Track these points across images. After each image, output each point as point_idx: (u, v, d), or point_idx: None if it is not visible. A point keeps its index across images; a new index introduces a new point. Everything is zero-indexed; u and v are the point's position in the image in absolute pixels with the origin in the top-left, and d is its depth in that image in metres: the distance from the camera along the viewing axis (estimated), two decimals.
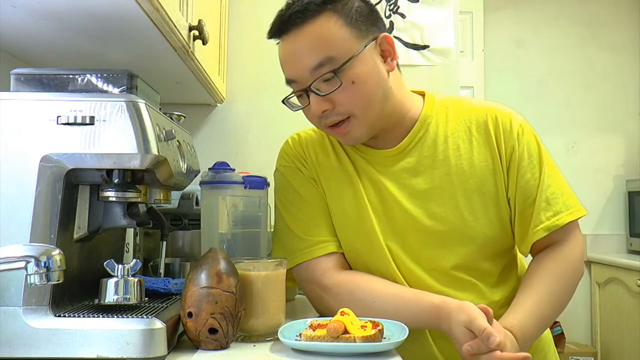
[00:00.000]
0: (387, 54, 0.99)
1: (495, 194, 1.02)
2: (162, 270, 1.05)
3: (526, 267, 1.12)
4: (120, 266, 0.81)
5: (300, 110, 1.02)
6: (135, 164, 0.78)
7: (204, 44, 1.25)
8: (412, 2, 1.90)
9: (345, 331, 0.81)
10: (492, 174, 1.02)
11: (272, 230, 1.14)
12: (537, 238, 1.00)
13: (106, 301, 0.81)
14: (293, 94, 1.01)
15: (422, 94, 1.11)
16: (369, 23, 0.98)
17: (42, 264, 0.67)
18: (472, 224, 1.01)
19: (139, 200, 0.86)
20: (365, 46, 0.96)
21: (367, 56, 0.96)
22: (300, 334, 0.85)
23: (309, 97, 0.97)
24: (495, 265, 1.04)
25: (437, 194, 1.02)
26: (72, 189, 0.81)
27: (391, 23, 1.88)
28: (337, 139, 1.05)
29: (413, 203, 1.02)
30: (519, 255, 1.11)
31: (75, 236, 0.83)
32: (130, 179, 0.84)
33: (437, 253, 1.01)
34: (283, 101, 1.03)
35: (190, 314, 0.81)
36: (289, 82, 1.00)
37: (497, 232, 1.02)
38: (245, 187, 1.09)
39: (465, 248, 1.01)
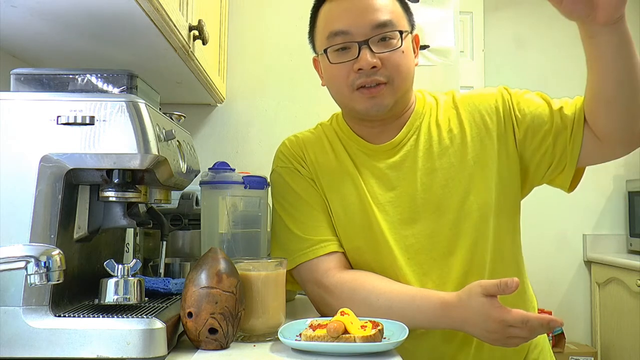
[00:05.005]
0: (414, 50, 1.08)
1: (496, 162, 1.03)
2: (162, 270, 1.05)
3: (526, 274, 1.11)
4: (120, 266, 0.81)
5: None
6: (135, 164, 0.78)
7: (204, 44, 1.25)
8: (412, 2, 1.89)
9: (345, 331, 0.80)
10: (490, 144, 1.04)
11: (270, 232, 1.14)
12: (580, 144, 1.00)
13: (106, 301, 0.81)
14: (339, 45, 1.02)
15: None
16: (411, 16, 1.09)
17: (42, 264, 0.67)
18: (474, 198, 1.02)
19: (139, 200, 0.86)
20: (411, 32, 1.07)
21: (411, 40, 1.06)
22: (300, 334, 0.85)
23: (359, 51, 1.00)
24: (500, 243, 1.04)
25: (440, 176, 1.03)
26: (72, 189, 0.81)
27: None
28: (361, 103, 1.02)
29: (417, 189, 1.03)
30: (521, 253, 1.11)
31: (75, 236, 0.83)
32: (130, 179, 0.84)
33: (445, 235, 1.02)
34: (325, 50, 1.04)
35: (190, 314, 0.81)
36: (336, 33, 1.02)
37: (500, 200, 1.03)
38: (245, 187, 1.09)
39: (467, 224, 1.02)
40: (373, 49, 1.00)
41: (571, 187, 1.06)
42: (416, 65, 1.07)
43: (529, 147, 1.03)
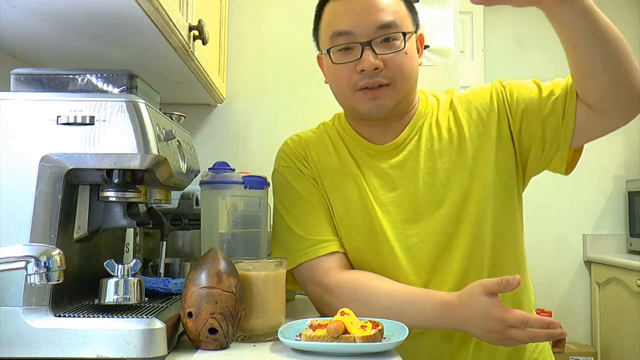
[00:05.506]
0: (418, 50, 1.08)
1: (494, 157, 1.03)
2: (162, 270, 1.05)
3: (529, 273, 1.11)
4: (120, 266, 0.81)
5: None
6: (135, 164, 0.78)
7: (204, 44, 1.24)
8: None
9: (345, 331, 0.80)
10: (488, 140, 1.04)
11: (271, 232, 1.14)
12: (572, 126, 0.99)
13: (106, 301, 0.81)
14: (342, 45, 1.02)
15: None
16: (416, 15, 1.08)
17: (42, 264, 0.67)
18: (474, 195, 1.02)
19: (139, 200, 0.86)
20: (416, 31, 1.06)
21: (414, 40, 1.06)
22: (300, 334, 0.85)
23: (362, 52, 1.00)
24: (499, 239, 1.04)
25: (442, 175, 1.04)
26: (72, 189, 0.81)
27: None
28: (363, 104, 1.03)
29: (419, 188, 1.04)
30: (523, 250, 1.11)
31: (75, 236, 0.83)
32: (130, 179, 0.84)
33: (447, 233, 1.02)
34: (328, 50, 1.03)
35: (190, 314, 0.81)
36: (339, 34, 1.02)
37: (499, 196, 1.03)
38: (245, 187, 1.09)
39: (467, 221, 1.02)
40: (376, 50, 0.99)
41: (568, 170, 1.05)
42: (420, 64, 1.08)
43: (526, 134, 1.03)
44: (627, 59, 0.91)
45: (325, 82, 1.11)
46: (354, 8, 1.02)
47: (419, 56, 1.08)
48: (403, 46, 1.01)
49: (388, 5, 1.01)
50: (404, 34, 1.01)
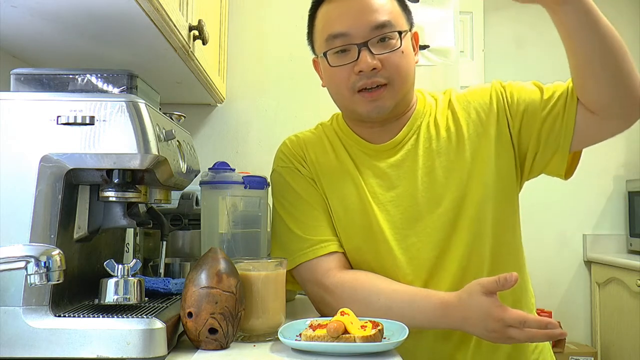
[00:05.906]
0: (414, 48, 1.08)
1: (494, 158, 1.03)
2: (162, 270, 1.05)
3: (527, 271, 1.11)
4: (120, 266, 0.81)
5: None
6: (135, 164, 0.78)
7: (204, 44, 1.25)
8: (412, 2, 1.89)
9: (345, 331, 0.80)
10: (487, 140, 1.04)
11: (270, 232, 1.14)
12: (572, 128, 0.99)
13: (106, 301, 0.81)
14: (338, 47, 1.02)
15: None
16: (410, 14, 1.08)
17: (42, 264, 0.67)
18: (472, 194, 1.02)
19: (139, 200, 0.86)
20: (410, 30, 1.06)
21: (410, 39, 1.06)
22: (300, 334, 0.85)
23: (359, 53, 1.00)
24: (498, 238, 1.04)
25: (440, 174, 1.03)
26: (72, 189, 0.81)
27: None
28: (362, 106, 1.02)
29: (417, 188, 1.03)
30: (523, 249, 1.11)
31: (75, 236, 0.83)
32: (130, 179, 0.84)
33: (446, 232, 1.02)
34: (324, 54, 1.04)
35: (190, 314, 0.81)
36: (335, 36, 1.02)
37: (498, 195, 1.03)
38: (245, 187, 1.09)
39: (466, 220, 1.01)
40: (372, 51, 1.00)
41: (567, 174, 1.05)
42: (416, 63, 1.08)
43: (525, 135, 1.03)
44: (626, 61, 0.92)
45: (323, 86, 1.11)
46: (348, 10, 1.02)
47: (415, 54, 1.08)
48: (399, 45, 1.01)
49: (382, 5, 1.02)
50: (400, 33, 1.01)
